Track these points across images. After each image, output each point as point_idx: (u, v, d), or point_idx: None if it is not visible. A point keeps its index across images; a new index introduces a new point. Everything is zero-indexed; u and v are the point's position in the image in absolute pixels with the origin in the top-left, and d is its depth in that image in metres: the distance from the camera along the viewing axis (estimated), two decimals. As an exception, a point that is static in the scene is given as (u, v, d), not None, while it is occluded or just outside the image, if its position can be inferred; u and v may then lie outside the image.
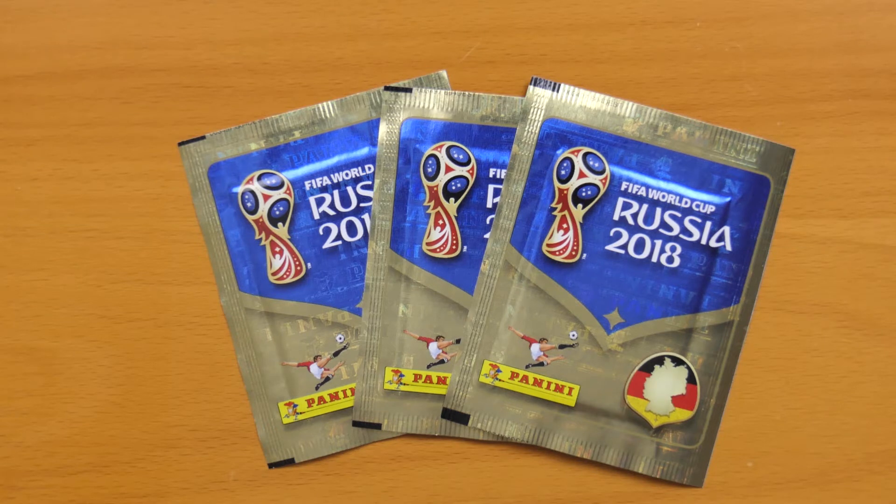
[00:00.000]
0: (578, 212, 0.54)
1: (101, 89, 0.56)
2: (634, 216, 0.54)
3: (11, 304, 0.56)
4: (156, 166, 0.56)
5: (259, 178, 0.55)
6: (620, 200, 0.54)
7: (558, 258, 0.54)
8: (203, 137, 0.56)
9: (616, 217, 0.54)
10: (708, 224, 0.54)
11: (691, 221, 0.53)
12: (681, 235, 0.54)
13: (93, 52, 0.56)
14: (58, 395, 0.56)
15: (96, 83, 0.56)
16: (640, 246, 0.54)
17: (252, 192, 0.55)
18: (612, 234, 0.54)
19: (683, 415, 0.54)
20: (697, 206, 0.54)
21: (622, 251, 0.54)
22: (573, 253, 0.54)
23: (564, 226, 0.54)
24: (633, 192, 0.54)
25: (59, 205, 0.56)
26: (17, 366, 0.56)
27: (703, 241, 0.54)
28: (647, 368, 0.54)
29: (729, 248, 0.54)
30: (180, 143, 0.56)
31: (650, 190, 0.54)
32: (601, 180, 0.54)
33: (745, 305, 0.54)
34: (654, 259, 0.54)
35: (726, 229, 0.54)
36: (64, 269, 0.56)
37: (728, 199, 0.53)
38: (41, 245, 0.56)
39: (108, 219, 0.56)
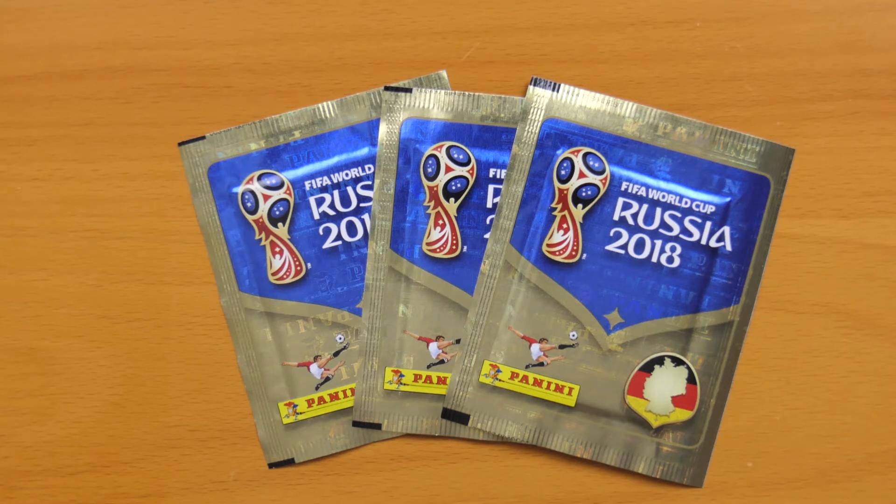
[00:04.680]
0: (578, 212, 0.54)
1: (101, 89, 0.56)
2: (634, 216, 0.54)
3: (11, 304, 0.56)
4: (156, 166, 0.56)
5: (259, 178, 0.55)
6: (620, 200, 0.54)
7: (558, 258, 0.54)
8: (203, 137, 0.56)
9: (616, 217, 0.54)
10: (708, 224, 0.54)
11: (691, 221, 0.53)
12: (681, 235, 0.54)
13: (93, 52, 0.56)
14: (58, 395, 0.56)
15: (96, 83, 0.56)
16: (640, 246, 0.54)
17: (252, 192, 0.55)
18: (612, 234, 0.54)
19: (683, 415, 0.54)
20: (697, 206, 0.54)
21: (622, 251, 0.54)
22: (573, 253, 0.54)
23: (564, 226, 0.54)
24: (633, 192, 0.54)
25: (60, 205, 0.56)
26: (17, 366, 0.56)
27: (703, 242, 0.54)
28: (647, 368, 0.54)
29: (729, 248, 0.54)
30: (180, 143, 0.56)
31: (650, 190, 0.54)
32: (601, 180, 0.54)
33: (745, 305, 0.54)
34: (654, 259, 0.54)
35: (726, 229, 0.54)
36: (64, 269, 0.56)
37: (728, 199, 0.53)
38: (41, 245, 0.56)
39: (108, 219, 0.56)
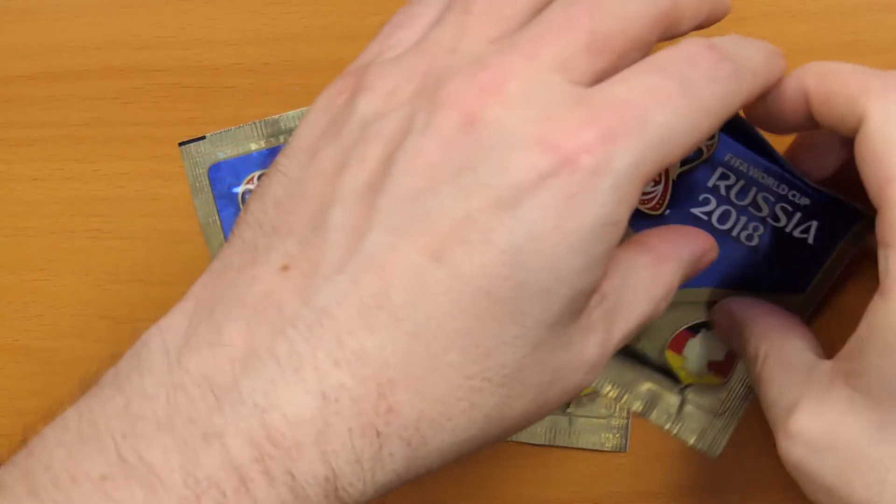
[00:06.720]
0: (676, 168, 0.51)
1: (101, 89, 0.56)
2: (729, 188, 0.51)
3: (12, 304, 0.56)
4: (156, 166, 0.56)
5: (259, 178, 0.55)
6: (719, 170, 0.51)
7: (642, 207, 0.52)
8: (203, 137, 0.56)
9: (710, 184, 0.51)
10: (797, 214, 0.51)
11: (782, 208, 0.51)
12: (767, 218, 0.51)
13: (93, 52, 0.56)
14: (59, 397, 0.56)
15: (96, 83, 0.56)
16: (724, 217, 0.51)
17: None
18: (701, 198, 0.51)
19: (715, 380, 0.53)
20: (794, 195, 0.51)
21: (706, 217, 0.51)
22: (657, 206, 0.51)
23: (657, 178, 0.52)
24: (735, 165, 0.51)
25: (60, 205, 0.56)
26: (17, 366, 0.56)
27: (788, 229, 0.51)
28: (694, 329, 0.53)
29: (811, 241, 0.51)
30: (180, 143, 0.56)
31: (751, 168, 0.52)
32: (707, 145, 0.51)
33: (807, 298, 0.52)
34: (735, 233, 0.51)
35: (814, 223, 0.52)
36: (65, 269, 0.56)
37: (825, 198, 0.51)
38: (42, 245, 0.56)
39: (109, 219, 0.56)
